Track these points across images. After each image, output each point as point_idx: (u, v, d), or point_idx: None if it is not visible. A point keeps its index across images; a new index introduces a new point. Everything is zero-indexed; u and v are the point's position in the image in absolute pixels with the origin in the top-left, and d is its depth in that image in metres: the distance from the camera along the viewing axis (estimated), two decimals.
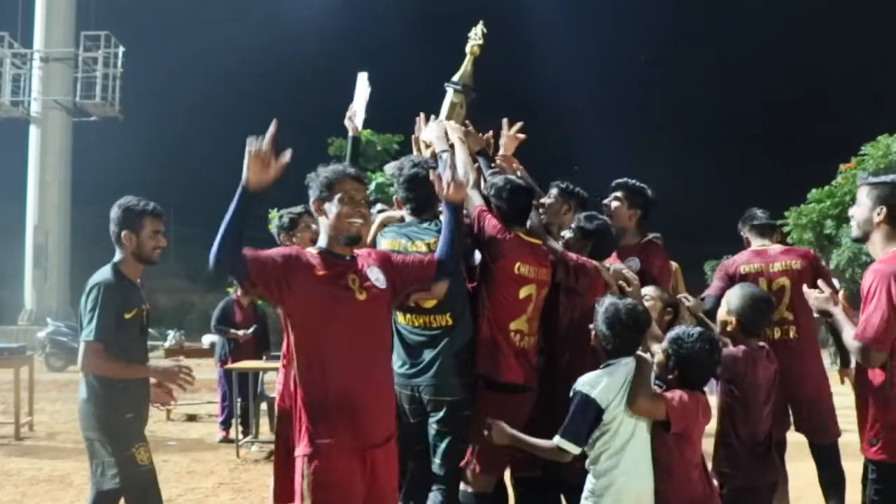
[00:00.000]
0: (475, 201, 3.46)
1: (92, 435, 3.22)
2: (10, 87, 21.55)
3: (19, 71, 21.87)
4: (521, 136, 3.99)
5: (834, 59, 25.45)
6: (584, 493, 2.86)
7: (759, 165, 25.38)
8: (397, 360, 3.27)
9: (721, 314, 3.29)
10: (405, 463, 3.19)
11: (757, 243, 4.35)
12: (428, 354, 3.28)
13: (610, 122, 24.86)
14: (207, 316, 17.68)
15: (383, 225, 3.50)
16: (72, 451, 6.88)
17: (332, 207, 2.70)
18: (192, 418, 8.93)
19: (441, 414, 3.27)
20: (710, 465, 3.19)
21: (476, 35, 4.01)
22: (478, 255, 3.50)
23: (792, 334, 4.10)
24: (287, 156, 2.52)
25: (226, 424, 7.61)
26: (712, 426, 3.07)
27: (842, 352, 4.30)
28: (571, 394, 2.83)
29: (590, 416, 2.78)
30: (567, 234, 3.73)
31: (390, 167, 3.80)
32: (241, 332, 7.77)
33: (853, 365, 3.25)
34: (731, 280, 4.12)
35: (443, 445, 3.28)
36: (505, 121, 3.98)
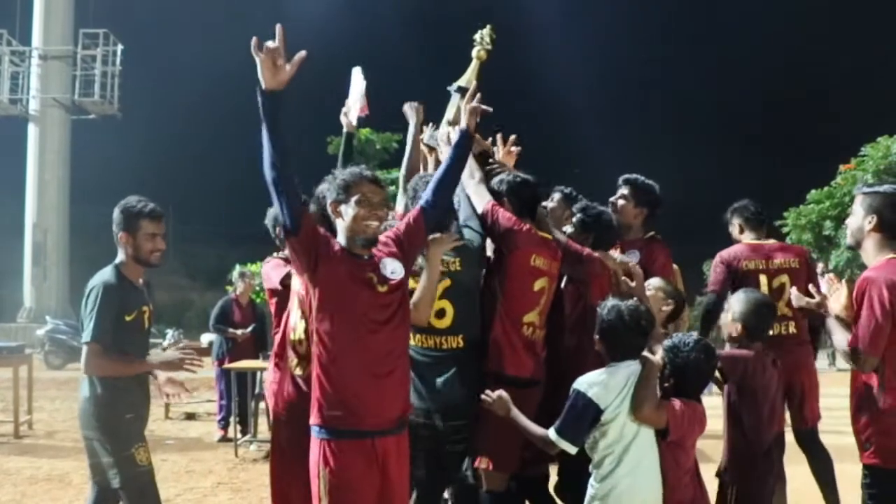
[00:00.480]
0: (485, 196, 3.45)
1: (91, 435, 3.21)
2: (8, 85, 21.53)
3: (18, 69, 21.84)
4: (517, 148, 3.97)
5: (834, 59, 25.48)
6: (587, 499, 2.84)
7: (759, 166, 25.39)
8: None
9: (725, 320, 3.34)
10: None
11: (750, 236, 4.40)
12: (439, 379, 3.24)
13: (609, 122, 24.89)
14: (206, 314, 17.64)
15: None
16: (71, 449, 6.88)
17: (348, 210, 2.75)
18: (190, 417, 8.94)
19: (459, 435, 3.26)
20: (713, 468, 3.22)
21: (483, 40, 3.93)
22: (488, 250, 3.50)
23: (791, 329, 4.21)
24: (301, 55, 2.52)
25: (224, 423, 7.62)
26: (711, 428, 3.08)
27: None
28: (571, 391, 2.82)
29: (588, 416, 2.78)
30: (568, 228, 3.73)
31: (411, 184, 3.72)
32: (239, 332, 7.78)
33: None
34: (734, 274, 4.20)
35: (463, 463, 3.29)
36: (499, 136, 3.95)
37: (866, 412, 2.95)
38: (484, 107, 3.21)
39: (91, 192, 23.10)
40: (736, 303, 3.30)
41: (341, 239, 2.79)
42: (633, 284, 3.51)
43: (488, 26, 3.97)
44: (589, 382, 2.81)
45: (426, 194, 3.01)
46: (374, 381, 2.68)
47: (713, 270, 4.36)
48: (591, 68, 24.90)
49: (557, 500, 3.65)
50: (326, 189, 2.93)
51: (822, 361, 13.54)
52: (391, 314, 2.76)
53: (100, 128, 22.32)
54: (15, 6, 21.71)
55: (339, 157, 3.98)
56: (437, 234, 3.14)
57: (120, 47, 21.68)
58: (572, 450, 2.80)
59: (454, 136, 3.17)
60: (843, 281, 3.25)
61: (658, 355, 2.93)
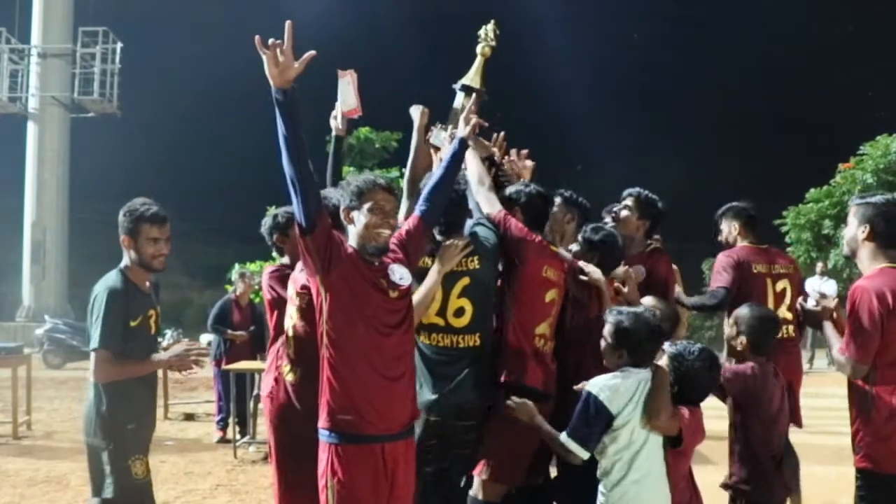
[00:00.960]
0: (495, 204, 3.44)
1: (92, 441, 3.17)
2: (7, 83, 21.45)
3: (17, 67, 21.78)
4: (531, 163, 3.98)
5: (834, 59, 25.44)
6: None
7: (758, 165, 25.36)
8: (417, 383, 3.18)
9: (730, 333, 3.39)
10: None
11: (749, 239, 4.48)
12: (453, 377, 3.22)
13: (610, 121, 24.82)
14: (206, 312, 17.56)
15: None
16: (69, 450, 6.88)
17: (360, 217, 2.77)
18: (189, 417, 8.93)
19: (469, 436, 3.25)
20: (711, 470, 3.25)
21: (487, 36, 3.91)
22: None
23: (790, 332, 4.35)
24: (310, 54, 2.53)
25: (223, 424, 7.62)
26: (709, 428, 3.12)
27: None
28: (583, 393, 2.83)
29: (600, 421, 2.80)
30: (574, 247, 3.74)
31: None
32: (237, 333, 7.77)
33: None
34: (742, 274, 4.27)
35: (469, 467, 3.28)
36: (513, 151, 3.96)
37: (859, 417, 3.05)
38: (481, 121, 3.27)
39: (90, 190, 23.08)
40: (742, 317, 3.35)
41: (353, 244, 2.81)
42: (625, 290, 3.53)
43: (492, 22, 3.96)
44: (601, 386, 2.82)
45: (422, 201, 3.05)
46: (386, 385, 2.71)
47: (722, 270, 4.36)
48: (592, 65, 24.84)
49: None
50: (337, 194, 2.97)
51: (822, 362, 13.54)
52: (401, 319, 2.80)
53: (99, 126, 22.26)
54: (14, 4, 21.66)
55: (329, 162, 3.96)
56: (449, 241, 3.17)
57: (119, 45, 21.62)
58: (584, 454, 2.80)
59: (451, 145, 3.19)
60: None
61: (662, 362, 2.97)
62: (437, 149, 3.83)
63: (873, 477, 3.01)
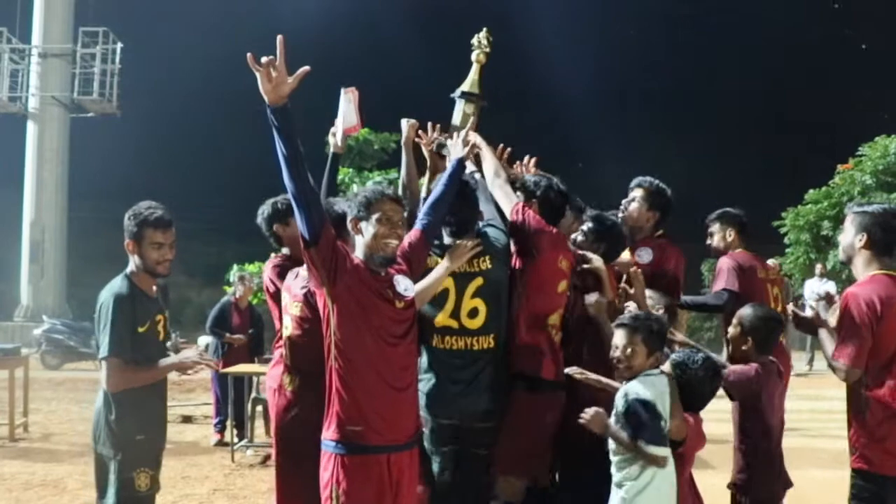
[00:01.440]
0: (512, 197, 3.44)
1: (99, 449, 3.13)
2: (7, 83, 21.42)
3: (17, 66, 21.74)
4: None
5: (832, 60, 25.41)
6: None
7: (757, 166, 25.34)
8: (430, 385, 3.21)
9: (734, 333, 3.45)
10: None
11: (743, 246, 4.56)
12: (470, 380, 3.22)
13: (611, 121, 24.79)
14: (204, 312, 17.54)
15: None
16: (66, 453, 6.88)
17: (369, 227, 2.79)
18: (187, 420, 8.92)
19: (485, 439, 3.24)
20: (711, 474, 3.31)
21: (481, 43, 3.94)
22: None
23: (781, 337, 4.31)
24: (304, 69, 2.51)
25: (221, 427, 7.60)
26: (713, 433, 3.16)
27: None
28: (628, 404, 2.83)
29: (659, 421, 2.84)
30: (578, 236, 3.74)
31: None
32: (236, 337, 7.74)
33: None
34: (747, 278, 4.34)
35: (486, 468, 3.26)
36: (526, 158, 3.97)
37: (855, 418, 3.14)
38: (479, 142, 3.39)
39: (89, 190, 23.04)
40: (746, 317, 3.42)
41: (360, 255, 2.83)
42: (632, 291, 3.54)
43: (484, 29, 3.97)
44: (647, 394, 2.83)
45: (422, 216, 3.09)
46: (394, 395, 2.74)
47: (728, 272, 4.38)
48: (591, 65, 24.81)
49: None
50: (343, 204, 3.02)
51: (821, 363, 13.53)
52: (407, 329, 2.83)
53: (98, 126, 22.23)
54: (15, 4, 21.62)
55: (325, 178, 3.91)
56: (459, 242, 3.18)
57: (119, 46, 21.59)
58: (667, 452, 2.81)
59: (449, 165, 3.26)
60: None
61: (665, 368, 3.04)
62: (442, 156, 3.81)
63: (867, 477, 3.09)
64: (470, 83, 3.91)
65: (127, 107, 22.06)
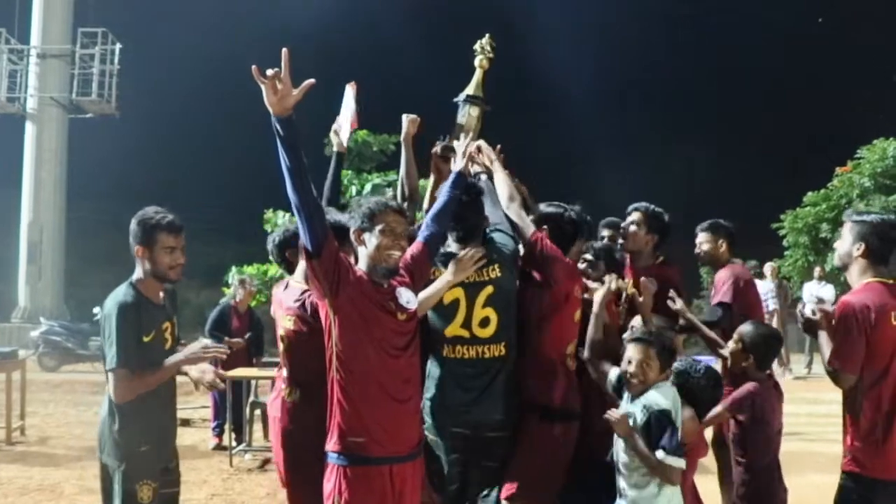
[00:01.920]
0: (529, 224, 3.40)
1: (104, 459, 3.10)
2: (6, 84, 21.38)
3: (16, 67, 21.71)
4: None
5: (831, 62, 25.44)
6: None
7: (756, 168, 25.36)
8: (440, 395, 3.21)
9: (735, 349, 3.50)
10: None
11: (731, 256, 4.62)
12: (482, 388, 3.20)
13: (607, 126, 24.80)
14: (202, 313, 17.50)
15: None
16: (63, 457, 6.86)
17: (372, 238, 2.80)
18: (185, 423, 8.88)
19: (497, 449, 3.23)
20: (712, 479, 3.37)
21: (484, 49, 3.95)
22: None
23: None
24: (309, 82, 2.51)
25: (219, 431, 7.59)
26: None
27: None
28: (650, 415, 2.85)
29: (677, 432, 2.88)
30: (580, 265, 3.74)
31: None
32: (235, 340, 7.71)
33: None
34: (746, 296, 4.41)
35: (498, 481, 3.24)
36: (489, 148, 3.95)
37: (850, 423, 3.23)
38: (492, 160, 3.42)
39: (88, 191, 23.03)
40: (747, 334, 3.48)
41: (362, 266, 2.83)
42: (640, 299, 3.55)
43: (487, 35, 3.99)
44: (667, 405, 2.88)
45: (425, 227, 3.08)
46: (396, 407, 2.74)
47: (727, 286, 4.42)
48: (593, 63, 24.82)
49: None
50: (343, 217, 3.03)
51: (820, 366, 13.53)
52: (408, 341, 2.83)
53: (97, 127, 22.21)
54: (14, 4, 21.60)
55: (328, 180, 3.91)
56: (464, 252, 3.17)
57: (118, 47, 21.56)
58: (683, 464, 2.85)
59: (450, 176, 3.25)
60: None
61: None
62: (447, 160, 3.78)
63: (858, 480, 3.18)
64: (473, 87, 3.92)
65: (126, 108, 22.05)
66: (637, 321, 3.50)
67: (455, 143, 3.58)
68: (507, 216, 3.47)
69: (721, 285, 4.46)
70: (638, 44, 27.32)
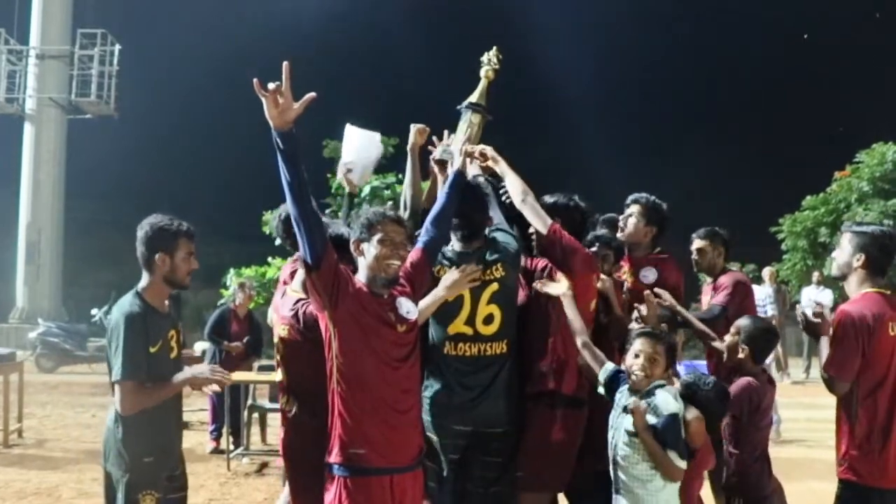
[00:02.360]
0: (545, 217, 3.38)
1: (108, 467, 3.08)
2: (5, 84, 21.37)
3: (14, 68, 21.69)
4: None
5: (830, 65, 25.47)
6: None
7: (755, 171, 25.37)
8: (440, 393, 3.21)
9: (731, 341, 3.52)
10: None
11: (726, 265, 4.67)
12: (484, 386, 3.22)
13: (605, 129, 24.81)
14: (200, 314, 17.49)
15: None
16: (60, 460, 6.84)
17: (371, 248, 2.80)
18: (183, 426, 8.85)
19: (498, 445, 3.24)
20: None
21: (491, 61, 3.97)
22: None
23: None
24: (310, 96, 2.51)
25: (217, 434, 7.57)
26: None
27: None
28: (663, 418, 2.86)
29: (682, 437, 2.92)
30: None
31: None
32: (234, 345, 7.71)
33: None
34: (743, 304, 4.39)
35: (499, 478, 3.25)
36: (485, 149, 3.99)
37: (845, 430, 3.26)
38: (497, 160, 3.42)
39: (86, 191, 22.99)
40: (744, 327, 3.51)
41: (362, 277, 2.83)
42: (644, 312, 3.55)
43: (494, 48, 4.00)
44: (677, 408, 2.90)
45: (424, 232, 3.08)
46: (397, 417, 2.74)
47: (734, 288, 4.44)
48: (592, 63, 24.82)
49: None
50: (347, 230, 3.02)
51: (819, 370, 13.51)
52: (408, 352, 2.83)
53: (96, 128, 22.20)
54: (13, 5, 21.59)
55: (342, 218, 3.91)
56: (461, 268, 3.17)
57: (118, 48, 21.55)
58: (684, 464, 2.88)
59: (449, 176, 3.26)
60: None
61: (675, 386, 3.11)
62: (443, 165, 3.77)
63: (855, 488, 3.21)
64: (477, 96, 3.92)
65: (124, 109, 22.04)
66: (643, 309, 3.51)
67: (454, 147, 3.58)
68: (507, 216, 3.49)
69: (723, 288, 4.47)
70: (637, 45, 27.33)
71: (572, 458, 3.34)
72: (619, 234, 4.16)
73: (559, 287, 3.29)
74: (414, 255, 3.04)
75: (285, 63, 2.47)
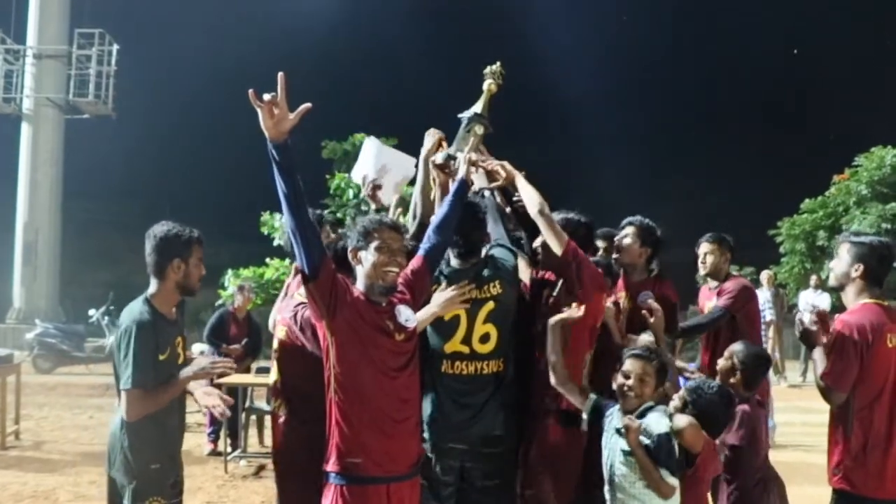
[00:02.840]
0: (562, 234, 3.32)
1: (113, 474, 3.08)
2: (2, 84, 21.34)
3: (12, 67, 21.67)
4: None
5: (829, 69, 25.51)
6: None
7: (753, 175, 25.40)
8: (436, 413, 3.19)
9: (725, 366, 3.49)
10: None
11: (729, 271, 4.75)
12: (480, 405, 3.20)
13: (605, 132, 24.82)
14: (198, 314, 17.44)
15: None
16: (58, 462, 6.82)
17: (368, 256, 2.78)
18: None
19: (494, 464, 3.21)
20: None
21: (494, 74, 3.92)
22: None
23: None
24: (305, 106, 2.50)
25: (214, 436, 7.56)
26: None
27: None
28: (657, 439, 2.86)
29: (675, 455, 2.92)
30: None
31: None
32: (233, 347, 7.69)
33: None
34: (747, 309, 4.53)
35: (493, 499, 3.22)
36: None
37: (840, 440, 3.24)
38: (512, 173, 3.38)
39: (84, 192, 22.96)
40: (738, 353, 3.49)
41: (360, 285, 2.81)
42: (652, 320, 3.56)
43: (498, 63, 3.96)
44: (666, 426, 2.90)
45: (426, 240, 3.05)
46: (394, 427, 2.73)
47: (738, 293, 4.54)
48: (592, 63, 24.81)
49: None
50: (346, 237, 3.00)
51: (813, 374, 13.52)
52: (407, 361, 2.81)
53: (94, 128, 22.17)
54: (10, 5, 21.55)
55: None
56: (454, 288, 3.14)
57: (115, 47, 21.54)
58: (676, 482, 2.88)
59: (454, 185, 3.26)
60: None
61: (680, 394, 3.12)
62: (444, 167, 3.73)
63: (850, 498, 3.22)
64: (479, 106, 3.86)
65: (122, 109, 22.02)
66: (643, 338, 3.51)
67: (459, 155, 3.53)
68: (509, 233, 3.50)
69: (727, 293, 4.56)
70: (637, 45, 27.35)
71: (574, 475, 3.33)
72: (614, 256, 4.18)
73: (574, 312, 3.26)
74: (415, 261, 3.03)
75: (280, 74, 2.44)
